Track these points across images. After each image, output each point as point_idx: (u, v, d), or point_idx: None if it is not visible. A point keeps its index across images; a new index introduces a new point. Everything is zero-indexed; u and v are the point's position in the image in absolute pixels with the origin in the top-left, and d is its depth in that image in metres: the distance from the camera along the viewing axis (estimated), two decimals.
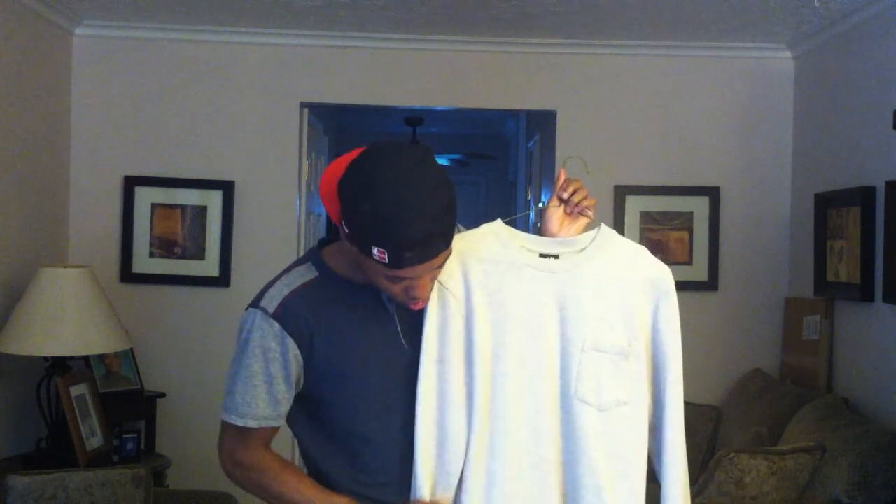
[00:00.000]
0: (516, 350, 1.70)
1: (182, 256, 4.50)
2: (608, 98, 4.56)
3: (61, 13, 4.16)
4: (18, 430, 3.90)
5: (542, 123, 5.42)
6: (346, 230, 1.62)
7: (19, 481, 2.98)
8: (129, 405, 4.17)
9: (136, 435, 4.00)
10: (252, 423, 1.74)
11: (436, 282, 1.71)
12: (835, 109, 4.08)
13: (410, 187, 1.55)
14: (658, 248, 4.48)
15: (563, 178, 1.83)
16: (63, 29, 4.28)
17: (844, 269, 3.84)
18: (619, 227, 4.45)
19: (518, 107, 4.84)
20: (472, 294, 1.71)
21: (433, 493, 1.69)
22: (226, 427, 1.78)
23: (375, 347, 1.75)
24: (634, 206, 4.52)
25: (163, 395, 4.34)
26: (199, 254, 4.50)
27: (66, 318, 3.58)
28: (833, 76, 4.10)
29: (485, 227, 1.79)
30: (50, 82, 4.22)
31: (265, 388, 1.72)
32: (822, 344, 4.01)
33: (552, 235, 1.80)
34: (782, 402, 3.80)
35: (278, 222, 4.54)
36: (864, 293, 3.65)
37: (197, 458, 4.37)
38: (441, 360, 1.70)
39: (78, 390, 3.71)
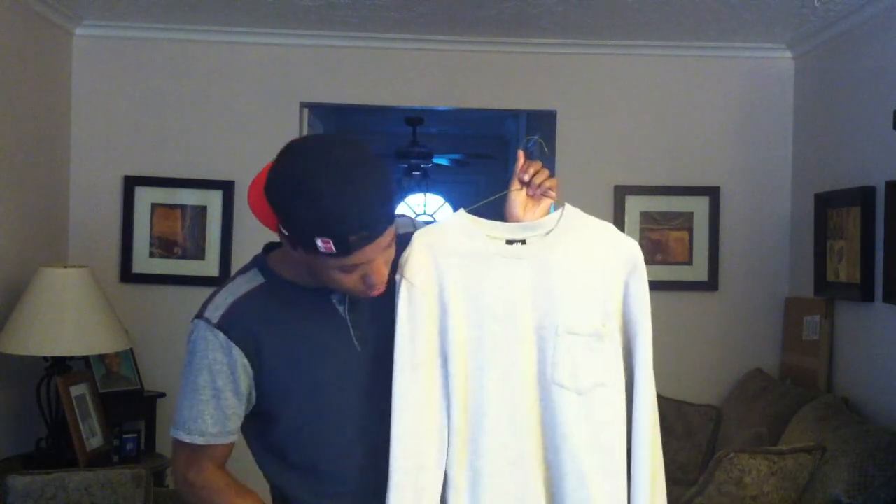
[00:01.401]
0: (492, 342, 1.66)
1: (182, 256, 4.49)
2: (608, 98, 4.56)
3: (61, 13, 4.16)
4: (18, 430, 3.89)
5: (542, 123, 5.41)
6: (286, 233, 1.56)
7: (19, 481, 2.98)
8: (129, 405, 4.17)
9: (136, 435, 3.99)
10: (200, 440, 1.67)
11: (404, 280, 1.65)
12: (835, 109, 4.07)
13: (339, 172, 1.49)
14: (658, 248, 4.49)
15: (522, 159, 1.79)
16: (63, 29, 4.28)
17: (844, 269, 3.84)
18: (619, 227, 4.44)
19: (518, 107, 4.84)
20: (445, 289, 1.66)
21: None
22: (176, 445, 1.71)
23: (327, 351, 1.68)
24: (634, 206, 4.51)
25: (163, 395, 4.33)
26: (199, 254, 4.50)
27: (66, 318, 3.59)
28: (833, 76, 4.10)
29: (448, 218, 1.75)
30: (50, 82, 4.22)
31: (213, 402, 1.65)
32: (822, 344, 4.01)
33: (516, 220, 1.76)
34: (782, 402, 3.80)
35: None
36: (864, 293, 3.65)
37: None
38: (417, 365, 1.64)
39: (78, 390, 3.71)
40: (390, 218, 1.56)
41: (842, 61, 4.00)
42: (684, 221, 4.53)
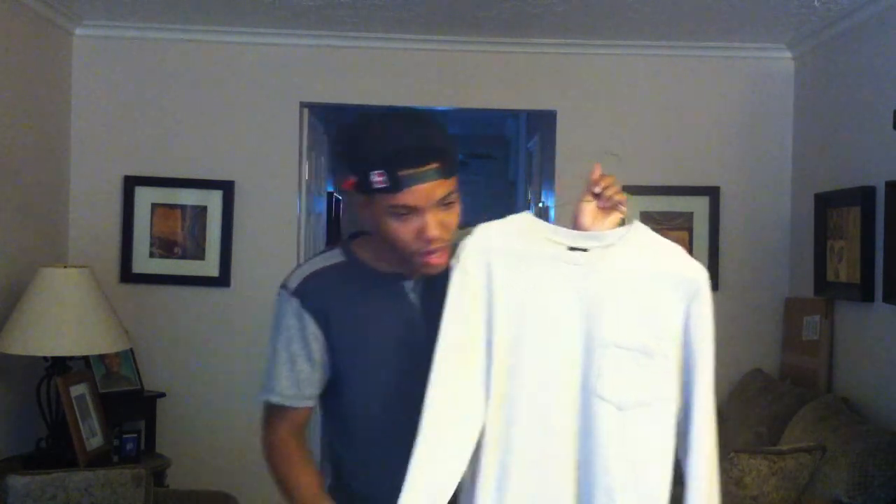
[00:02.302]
0: (536, 343, 1.65)
1: (182, 256, 4.50)
2: (608, 98, 4.56)
3: (61, 13, 4.16)
4: (18, 430, 3.89)
5: (542, 123, 5.42)
6: (353, 179, 1.65)
7: (19, 481, 2.99)
8: (129, 405, 4.17)
9: (136, 435, 4.00)
10: (275, 399, 1.78)
11: (458, 265, 1.68)
12: (835, 109, 4.08)
13: (399, 114, 1.68)
14: None
15: (597, 172, 1.80)
16: (63, 29, 4.28)
17: (844, 269, 3.84)
18: (619, 226, 4.45)
19: (518, 107, 4.84)
20: (494, 283, 1.67)
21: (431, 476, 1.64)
22: (264, 407, 1.82)
23: (392, 333, 1.75)
24: (634, 206, 4.51)
25: (163, 395, 4.34)
26: (199, 254, 4.50)
27: (66, 318, 3.58)
28: (833, 76, 4.10)
29: (512, 217, 1.75)
30: (50, 82, 4.22)
31: (288, 366, 1.76)
32: (822, 344, 4.01)
33: (583, 229, 1.75)
34: (782, 402, 3.80)
35: (278, 222, 4.54)
36: (864, 293, 3.65)
37: (197, 458, 4.38)
38: (460, 347, 1.65)
39: (78, 390, 3.71)
40: (446, 169, 1.64)
41: (842, 61, 4.00)
42: (684, 221, 4.53)
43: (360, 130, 1.67)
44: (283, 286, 1.79)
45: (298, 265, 1.84)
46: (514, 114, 6.88)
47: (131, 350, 4.19)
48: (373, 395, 1.77)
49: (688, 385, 1.65)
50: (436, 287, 1.71)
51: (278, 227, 4.54)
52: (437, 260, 1.69)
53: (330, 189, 6.38)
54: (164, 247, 4.50)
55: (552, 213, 4.72)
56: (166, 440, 4.31)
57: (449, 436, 1.64)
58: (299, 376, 1.76)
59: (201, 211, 4.49)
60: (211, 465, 4.40)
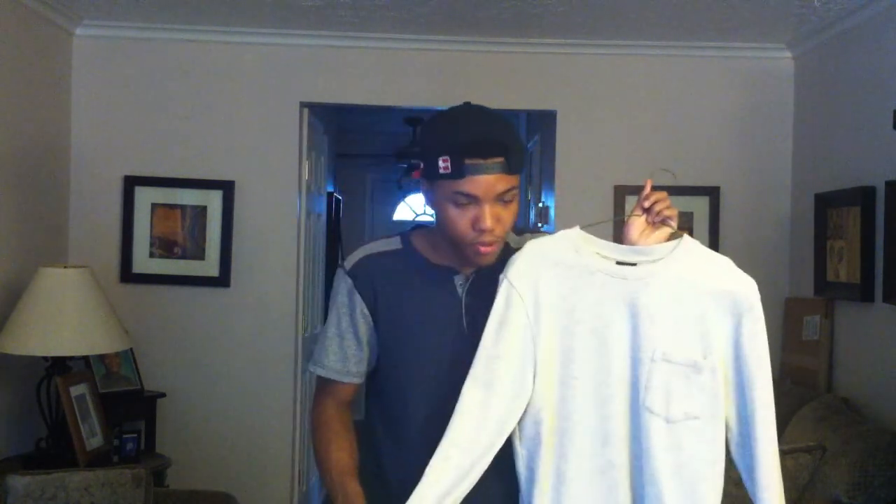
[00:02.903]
0: (585, 355, 1.68)
1: (182, 256, 4.49)
2: (608, 98, 4.56)
3: (61, 13, 4.16)
4: (18, 430, 3.90)
5: (542, 123, 5.41)
6: (423, 167, 1.72)
7: (19, 481, 2.98)
8: (129, 405, 4.17)
9: (136, 435, 4.00)
10: (321, 372, 1.87)
11: (506, 279, 1.72)
12: (835, 109, 4.07)
13: (472, 108, 1.75)
14: None
15: (648, 187, 1.83)
16: (63, 29, 4.28)
17: (844, 269, 3.84)
18: (620, 225, 4.45)
19: (518, 107, 4.84)
20: (541, 296, 1.70)
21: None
22: (315, 381, 1.93)
23: (436, 324, 1.81)
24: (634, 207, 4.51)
25: (163, 395, 4.34)
26: (199, 254, 4.50)
27: (66, 318, 3.58)
28: (833, 76, 4.10)
29: (561, 232, 1.78)
30: (50, 82, 4.22)
31: (337, 341, 1.85)
32: (822, 344, 4.01)
33: (632, 244, 1.78)
34: (782, 402, 3.77)
35: (278, 222, 4.54)
36: (864, 293, 3.65)
37: (197, 458, 4.38)
38: (496, 357, 1.69)
39: (78, 390, 3.71)
40: (510, 165, 1.69)
41: (842, 61, 4.00)
42: (684, 221, 4.52)
43: (434, 123, 1.76)
44: (341, 265, 1.88)
45: (360, 246, 1.91)
46: (514, 114, 6.87)
47: (131, 350, 4.19)
48: (413, 382, 1.82)
49: (743, 401, 1.68)
50: (485, 287, 1.76)
51: (278, 227, 4.54)
52: (487, 249, 1.74)
53: (330, 189, 6.37)
54: (164, 247, 4.49)
55: (552, 212, 4.72)
56: (166, 440, 4.31)
57: (471, 443, 1.67)
58: (346, 353, 1.85)
59: (201, 211, 4.49)
60: (211, 465, 4.40)
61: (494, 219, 1.70)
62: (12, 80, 3.79)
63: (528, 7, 3.89)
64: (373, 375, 1.90)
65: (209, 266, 4.49)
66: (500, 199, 1.70)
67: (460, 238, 1.73)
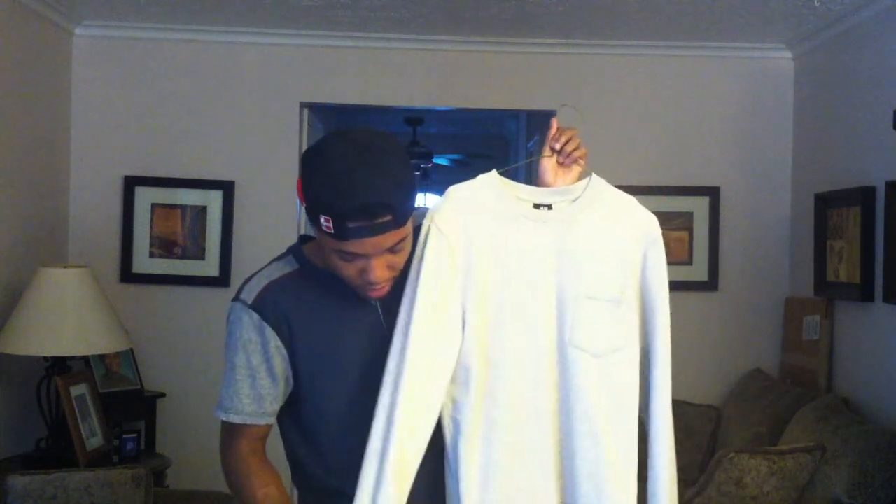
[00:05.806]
0: (513, 300, 1.71)
1: (182, 256, 4.49)
2: (608, 98, 4.56)
3: (61, 13, 4.16)
4: (18, 430, 3.89)
5: (542, 123, 5.41)
6: (305, 205, 1.60)
7: (19, 481, 2.99)
8: (129, 405, 4.17)
9: (136, 435, 3.99)
10: (235, 419, 1.71)
11: (433, 226, 1.69)
12: (835, 109, 4.08)
13: (360, 158, 1.53)
14: None
15: (555, 127, 1.83)
16: (63, 29, 4.28)
17: (844, 269, 3.84)
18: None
19: (518, 107, 4.84)
20: (472, 244, 1.71)
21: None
22: (222, 426, 1.76)
23: (357, 336, 1.72)
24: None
25: (163, 395, 4.34)
26: (199, 254, 4.50)
27: (66, 318, 3.58)
28: (833, 76, 4.10)
29: (481, 177, 1.78)
30: (50, 82, 4.22)
31: (248, 382, 1.70)
32: (822, 344, 4.01)
33: (546, 185, 1.80)
34: (782, 402, 3.80)
35: (278, 222, 4.54)
36: (864, 293, 3.65)
37: (197, 458, 4.37)
38: (436, 308, 1.67)
39: (78, 390, 3.71)
40: (398, 221, 1.56)
41: (842, 61, 4.00)
42: (684, 221, 4.53)
43: (313, 170, 1.56)
44: (238, 299, 1.72)
45: (251, 276, 1.77)
46: (514, 114, 6.87)
47: (131, 350, 4.18)
48: (339, 402, 1.72)
49: (647, 329, 1.75)
50: (398, 282, 1.69)
51: (278, 227, 4.53)
52: (377, 294, 1.66)
53: None
54: (164, 247, 4.49)
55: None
56: (166, 440, 4.31)
57: (427, 391, 1.66)
58: (261, 392, 1.70)
59: (201, 211, 4.49)
60: (211, 465, 4.34)
61: (384, 268, 1.61)
62: (12, 79, 3.79)
63: (528, 7, 3.89)
64: (292, 405, 1.76)
65: (209, 266, 4.49)
66: (390, 250, 1.60)
67: (348, 282, 1.65)
